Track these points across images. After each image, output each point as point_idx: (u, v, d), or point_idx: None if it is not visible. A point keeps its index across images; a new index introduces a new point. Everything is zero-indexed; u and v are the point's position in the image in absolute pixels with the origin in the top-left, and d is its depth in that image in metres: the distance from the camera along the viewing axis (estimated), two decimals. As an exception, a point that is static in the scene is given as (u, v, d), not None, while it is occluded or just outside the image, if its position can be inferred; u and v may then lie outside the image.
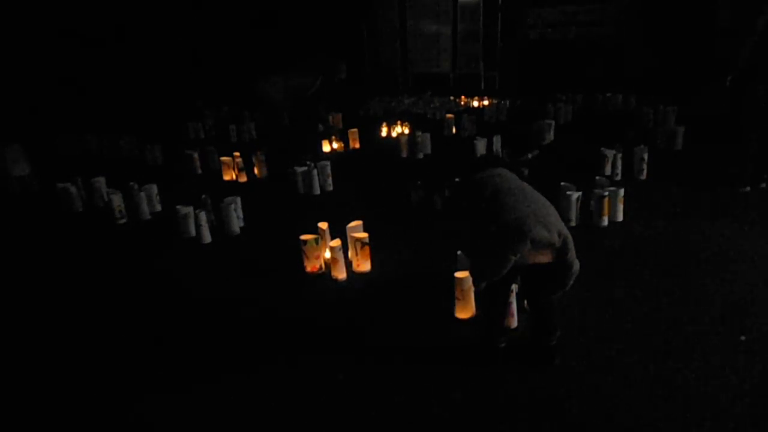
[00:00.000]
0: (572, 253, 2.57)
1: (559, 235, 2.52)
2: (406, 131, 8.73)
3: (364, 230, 4.14)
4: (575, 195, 4.66)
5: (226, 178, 6.88)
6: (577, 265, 2.60)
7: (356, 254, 4.04)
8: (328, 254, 4.10)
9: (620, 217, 4.75)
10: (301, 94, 7.39)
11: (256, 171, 6.94)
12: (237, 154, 6.99)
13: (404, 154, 7.61)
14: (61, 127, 9.66)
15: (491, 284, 2.64)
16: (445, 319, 3.33)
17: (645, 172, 5.87)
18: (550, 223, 2.51)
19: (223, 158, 6.94)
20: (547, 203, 2.66)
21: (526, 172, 3.00)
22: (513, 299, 3.12)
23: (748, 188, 5.29)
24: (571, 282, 2.63)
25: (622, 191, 4.74)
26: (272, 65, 8.06)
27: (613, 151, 5.91)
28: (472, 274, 2.84)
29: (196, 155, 7.35)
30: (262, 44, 11.59)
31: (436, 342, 3.13)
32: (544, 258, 2.56)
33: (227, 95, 10.86)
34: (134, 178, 6.09)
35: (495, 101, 11.14)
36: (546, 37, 12.84)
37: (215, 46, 11.98)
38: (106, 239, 5.18)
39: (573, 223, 4.63)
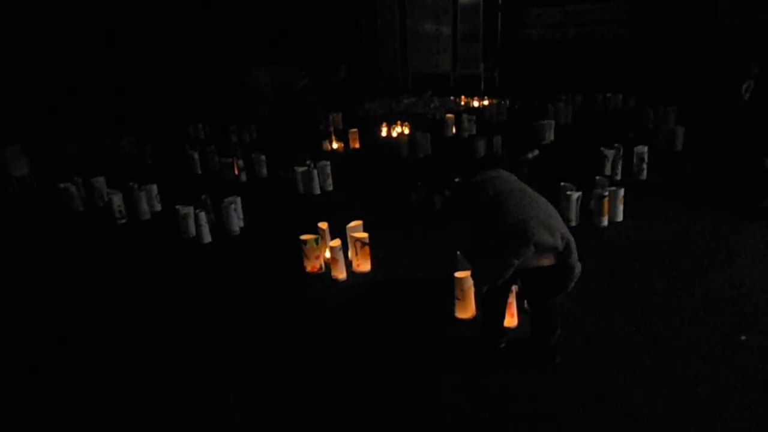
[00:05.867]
0: (574, 256, 2.56)
1: (562, 238, 2.51)
2: (406, 131, 8.74)
3: (364, 230, 4.14)
4: (575, 195, 4.66)
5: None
6: (578, 268, 2.59)
7: (356, 254, 4.04)
8: (328, 254, 4.10)
9: (620, 217, 4.75)
10: (285, 90, 7.44)
11: (235, 171, 6.90)
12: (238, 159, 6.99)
13: (404, 154, 7.61)
14: (61, 127, 9.65)
15: (492, 285, 2.64)
16: (445, 319, 3.33)
17: (645, 172, 5.87)
18: (553, 226, 2.50)
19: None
20: (549, 206, 2.65)
21: (526, 171, 3.00)
22: (513, 299, 3.12)
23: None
24: (573, 284, 2.63)
25: (622, 191, 4.74)
26: (262, 59, 8.09)
27: (613, 151, 5.91)
28: (474, 277, 2.83)
29: (196, 155, 7.36)
30: (258, 39, 11.56)
31: (436, 342, 3.13)
32: (547, 261, 2.55)
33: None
34: (134, 178, 6.09)
35: (495, 101, 11.13)
36: (546, 37, 12.84)
37: (212, 43, 11.96)
38: (106, 239, 5.18)
39: (573, 223, 4.63)
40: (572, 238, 2.55)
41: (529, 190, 2.71)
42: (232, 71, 8.86)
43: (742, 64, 5.32)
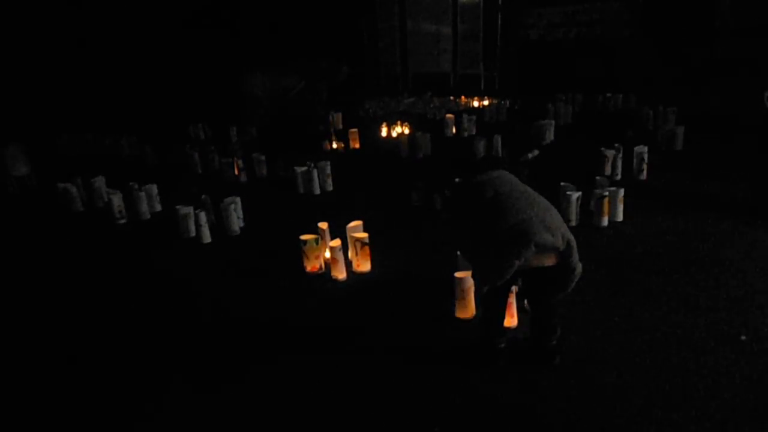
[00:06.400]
0: (575, 256, 2.55)
1: (563, 238, 2.50)
2: (406, 131, 8.74)
3: (364, 230, 4.14)
4: (575, 195, 4.67)
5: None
6: (579, 268, 2.58)
7: (356, 254, 4.04)
8: (328, 254, 4.10)
9: (620, 217, 4.75)
10: (282, 95, 7.49)
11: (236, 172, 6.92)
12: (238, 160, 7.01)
13: (404, 154, 7.61)
14: (61, 127, 9.66)
15: (493, 286, 2.63)
16: (445, 319, 3.33)
17: (645, 172, 5.87)
18: (554, 226, 2.50)
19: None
20: (550, 206, 2.64)
21: (526, 172, 2.99)
22: (513, 299, 3.12)
23: None
24: (573, 284, 2.63)
25: (622, 191, 4.74)
26: (260, 64, 8.14)
27: (613, 151, 5.91)
28: (475, 278, 2.82)
29: (196, 155, 7.37)
30: (257, 43, 11.59)
31: (436, 342, 3.13)
32: (548, 261, 2.54)
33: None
34: (134, 178, 6.09)
35: (495, 101, 11.14)
36: (546, 37, 12.84)
37: (214, 46, 11.97)
38: (106, 239, 5.18)
39: (573, 223, 4.63)
40: (573, 238, 2.55)
41: (530, 190, 2.70)
42: (230, 76, 8.89)
43: (757, 67, 5.29)
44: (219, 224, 5.04)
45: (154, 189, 5.83)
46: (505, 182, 2.69)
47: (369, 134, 8.85)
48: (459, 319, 3.31)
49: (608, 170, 5.87)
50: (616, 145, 6.10)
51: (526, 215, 2.48)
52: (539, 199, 2.63)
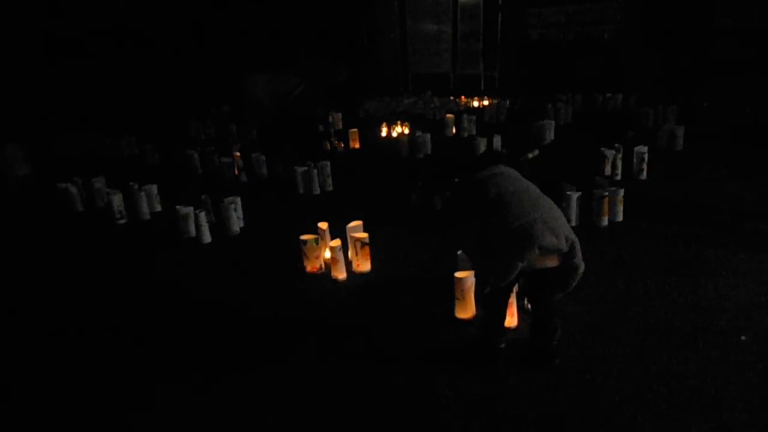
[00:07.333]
0: (579, 256, 2.54)
1: (567, 240, 2.49)
2: (406, 131, 8.73)
3: (364, 230, 4.14)
4: (575, 195, 4.66)
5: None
6: (582, 267, 2.57)
7: (356, 254, 4.04)
8: (328, 254, 4.10)
9: (620, 217, 4.75)
10: (282, 97, 7.50)
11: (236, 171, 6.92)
12: (237, 154, 7.00)
13: (404, 154, 7.60)
14: (61, 127, 9.65)
15: (494, 287, 2.63)
16: (445, 319, 3.33)
17: (645, 172, 5.87)
18: (557, 228, 2.49)
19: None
20: (553, 206, 2.63)
21: (527, 172, 2.99)
22: (513, 299, 3.11)
23: None
24: (575, 283, 2.63)
25: (622, 191, 4.74)
26: (260, 65, 8.14)
27: (613, 151, 5.91)
28: (477, 279, 2.82)
29: (196, 155, 7.36)
30: (257, 44, 11.58)
31: (436, 342, 3.13)
32: (551, 262, 2.53)
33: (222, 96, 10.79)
34: (134, 178, 6.09)
35: (495, 101, 11.12)
36: (546, 37, 12.83)
37: (211, 45, 11.96)
38: (106, 239, 5.18)
39: (573, 223, 4.63)
40: (576, 239, 2.54)
41: (533, 189, 2.67)
42: (231, 77, 8.88)
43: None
44: (219, 224, 5.04)
45: (154, 189, 5.83)
46: (508, 180, 2.66)
47: (369, 134, 8.84)
48: (459, 319, 3.31)
49: (608, 170, 5.86)
50: (616, 145, 6.09)
51: (530, 217, 2.46)
52: (543, 200, 2.62)
